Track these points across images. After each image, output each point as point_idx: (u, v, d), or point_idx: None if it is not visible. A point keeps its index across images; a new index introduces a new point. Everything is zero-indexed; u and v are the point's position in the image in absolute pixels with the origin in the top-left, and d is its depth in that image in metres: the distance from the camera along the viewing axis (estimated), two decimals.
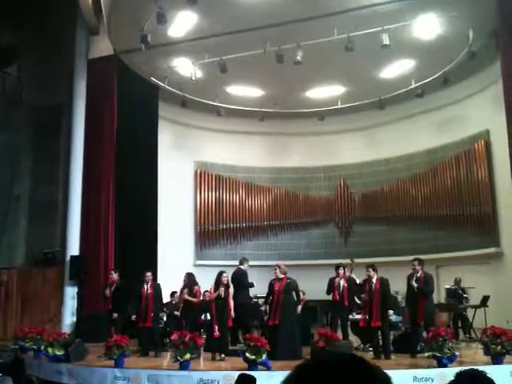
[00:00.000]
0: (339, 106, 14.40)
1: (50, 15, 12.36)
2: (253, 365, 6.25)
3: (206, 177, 15.62)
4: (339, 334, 7.91)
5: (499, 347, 6.26)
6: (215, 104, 14.09)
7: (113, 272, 9.24)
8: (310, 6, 10.04)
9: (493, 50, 10.83)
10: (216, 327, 7.65)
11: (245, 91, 14.05)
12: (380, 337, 7.74)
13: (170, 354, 7.54)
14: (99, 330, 9.02)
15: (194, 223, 15.33)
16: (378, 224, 15.33)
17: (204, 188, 15.56)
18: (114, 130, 11.95)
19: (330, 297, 8.85)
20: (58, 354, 7.35)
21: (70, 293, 11.38)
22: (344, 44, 10.21)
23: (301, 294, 8.67)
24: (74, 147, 11.97)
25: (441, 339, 6.24)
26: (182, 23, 10.76)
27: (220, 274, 7.88)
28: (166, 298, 9.70)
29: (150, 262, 11.31)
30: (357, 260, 10.68)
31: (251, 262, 9.59)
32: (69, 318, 11.20)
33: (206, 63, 11.73)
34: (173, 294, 10.23)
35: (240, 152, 15.73)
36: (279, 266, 7.91)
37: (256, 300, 10.35)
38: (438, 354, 6.18)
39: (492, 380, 1.88)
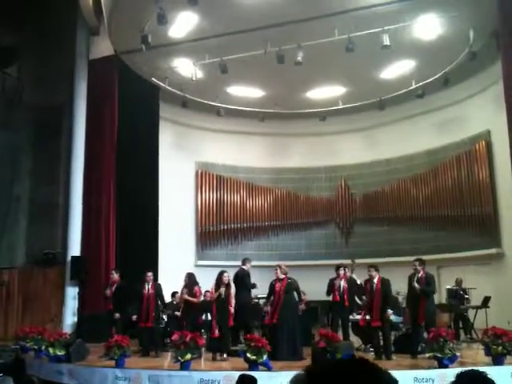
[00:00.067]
0: (340, 107, 14.40)
1: (50, 15, 12.37)
2: (253, 365, 6.25)
3: (206, 177, 15.63)
4: (340, 335, 7.90)
5: (500, 348, 6.26)
6: (216, 104, 14.09)
7: (113, 272, 9.24)
8: (311, 7, 10.04)
9: (493, 51, 10.83)
10: (215, 328, 7.65)
11: (245, 92, 14.06)
12: (381, 337, 7.73)
13: (171, 354, 7.54)
14: (100, 330, 9.02)
15: (195, 223, 15.34)
16: (378, 224, 15.33)
17: (205, 188, 15.56)
18: (115, 130, 11.96)
19: (330, 297, 8.84)
20: (59, 354, 7.35)
21: (71, 293, 11.39)
22: (345, 44, 10.21)
23: (301, 294, 8.66)
24: (75, 147, 11.98)
25: (442, 340, 6.23)
26: (183, 24, 10.76)
27: (221, 274, 7.88)
28: (167, 299, 9.70)
29: (150, 262, 11.32)
30: (358, 260, 10.69)
31: (252, 263, 9.58)
32: (70, 318, 11.21)
33: (207, 64, 11.73)
34: (174, 294, 10.23)
35: (241, 152, 15.73)
36: (280, 267, 7.91)
37: (257, 300, 10.35)
38: (439, 355, 6.18)
39: (493, 381, 1.88)
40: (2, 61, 12.70)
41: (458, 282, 10.64)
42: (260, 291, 9.57)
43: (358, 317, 8.48)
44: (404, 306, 8.99)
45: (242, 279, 8.49)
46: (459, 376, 1.92)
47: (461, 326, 10.15)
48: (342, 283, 8.62)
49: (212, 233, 15.38)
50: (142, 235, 12.19)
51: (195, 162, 15.54)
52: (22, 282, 11.66)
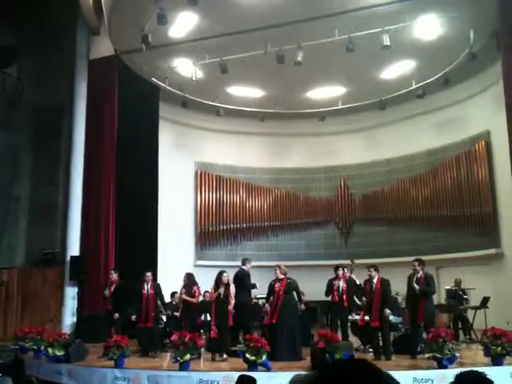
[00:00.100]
0: (340, 107, 14.40)
1: (50, 15, 12.37)
2: (253, 366, 6.24)
3: (206, 177, 15.62)
4: (339, 335, 7.89)
5: (499, 348, 6.25)
6: (216, 104, 14.10)
7: (113, 272, 9.23)
8: (311, 7, 10.04)
9: (493, 51, 10.83)
10: (213, 328, 7.65)
11: (245, 92, 14.06)
12: (380, 338, 7.73)
13: (170, 354, 7.53)
14: (99, 330, 9.01)
15: (195, 223, 15.33)
16: (378, 225, 15.33)
17: (204, 188, 15.56)
18: (115, 130, 11.95)
19: (329, 298, 8.83)
20: (58, 354, 7.35)
21: (70, 293, 11.38)
22: (345, 45, 10.21)
23: (301, 294, 8.63)
24: (75, 147, 11.98)
25: (441, 340, 6.23)
26: (183, 24, 10.76)
27: (220, 274, 7.88)
28: (166, 299, 9.69)
29: (150, 262, 11.32)
30: (357, 261, 10.68)
31: (251, 263, 9.56)
32: (69, 319, 11.20)
33: (207, 64, 11.73)
34: (173, 294, 10.23)
35: (240, 152, 15.73)
36: (279, 267, 7.90)
37: (256, 301, 10.34)
38: (438, 355, 6.17)
39: (492, 381, 1.88)
40: (2, 61, 12.69)
41: (458, 283, 10.64)
42: (259, 291, 9.56)
43: (357, 317, 8.48)
44: (403, 306, 8.98)
45: (242, 279, 8.48)
46: (459, 377, 1.92)
47: (460, 326, 10.15)
48: (341, 284, 8.61)
49: (211, 233, 15.37)
50: (142, 235, 12.19)
51: (195, 162, 15.54)
52: (22, 282, 11.66)
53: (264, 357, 6.25)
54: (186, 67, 12.33)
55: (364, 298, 7.88)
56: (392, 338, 8.15)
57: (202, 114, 14.69)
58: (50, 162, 12.42)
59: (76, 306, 11.25)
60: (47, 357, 7.52)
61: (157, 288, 8.63)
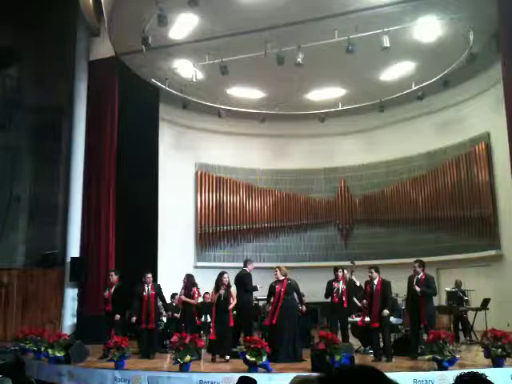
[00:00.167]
0: (340, 108, 14.41)
1: (50, 16, 12.38)
2: (253, 367, 6.24)
3: (206, 178, 15.62)
4: (339, 337, 7.88)
5: (500, 350, 6.25)
6: (216, 106, 14.11)
7: (112, 273, 9.20)
8: (311, 9, 10.06)
9: (493, 53, 10.84)
10: (212, 330, 7.65)
11: (246, 93, 14.07)
12: (380, 339, 7.72)
13: (170, 355, 7.53)
14: (99, 331, 8.99)
15: (195, 225, 15.33)
16: (378, 226, 15.33)
17: (204, 190, 15.56)
18: (115, 131, 11.96)
19: (329, 299, 8.81)
20: (58, 355, 7.35)
21: (71, 294, 11.39)
22: (345, 46, 10.22)
23: (302, 295, 8.62)
24: (75, 148, 11.98)
25: (441, 342, 6.23)
26: (183, 25, 10.77)
27: (221, 275, 7.88)
28: (166, 300, 9.69)
29: (150, 263, 11.32)
30: (357, 262, 10.69)
31: (253, 264, 9.52)
32: (69, 320, 11.20)
33: (207, 65, 11.74)
34: (173, 295, 10.22)
35: (241, 154, 15.74)
36: (279, 268, 7.89)
37: (256, 302, 10.33)
38: (439, 357, 6.17)
39: (492, 383, 1.88)
40: (2, 61, 12.71)
41: (458, 284, 10.64)
42: (259, 293, 9.55)
43: (357, 319, 8.48)
44: (403, 307, 8.98)
45: (244, 281, 8.46)
46: (459, 378, 1.92)
47: (460, 327, 10.15)
48: (341, 285, 8.60)
49: (211, 234, 15.37)
50: (142, 236, 12.19)
51: (195, 163, 15.54)
52: (22, 283, 11.66)
53: (264, 358, 6.24)
54: (186, 68, 12.35)
55: (364, 300, 7.87)
56: (392, 340, 8.15)
57: (202, 115, 14.71)
58: (51, 163, 12.44)
59: (76, 307, 11.25)
60: (47, 358, 7.52)
61: (157, 289, 8.62)
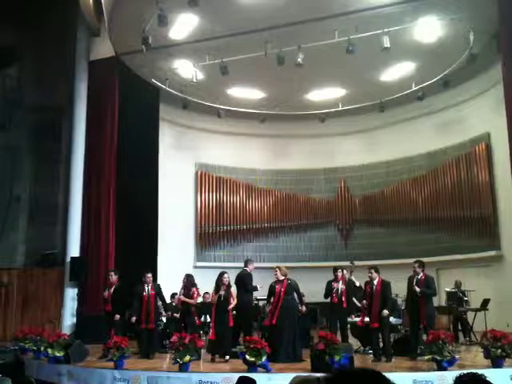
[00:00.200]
0: (340, 109, 14.42)
1: (50, 16, 12.39)
2: (252, 367, 6.24)
3: (206, 178, 15.63)
4: (338, 337, 7.88)
5: (499, 350, 6.25)
6: (216, 106, 14.11)
7: (112, 273, 9.19)
8: (311, 9, 10.06)
9: (493, 53, 10.84)
10: (212, 330, 7.65)
11: (246, 93, 14.07)
12: (380, 339, 7.72)
13: (170, 355, 7.53)
14: (99, 331, 9.00)
15: (195, 225, 15.33)
16: (378, 226, 15.33)
17: (204, 189, 15.56)
18: (115, 131, 11.96)
19: (328, 299, 8.80)
20: (58, 355, 7.35)
21: (70, 294, 11.39)
22: (345, 46, 10.22)
23: (302, 295, 8.61)
24: (75, 148, 11.99)
25: (441, 342, 6.23)
26: (183, 25, 10.77)
27: (221, 275, 7.88)
28: (166, 300, 9.69)
29: (150, 263, 11.31)
30: (357, 262, 10.68)
31: (254, 264, 9.51)
32: (69, 319, 11.20)
33: (207, 65, 11.74)
34: (173, 295, 10.22)
35: (241, 154, 15.74)
36: (280, 268, 7.89)
37: (256, 302, 10.33)
38: (438, 357, 6.17)
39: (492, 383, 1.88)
40: (2, 61, 12.71)
41: (458, 285, 10.64)
42: (259, 293, 9.55)
43: (357, 319, 8.48)
44: (403, 308, 8.98)
45: (244, 281, 8.46)
46: (459, 379, 1.92)
47: (460, 328, 10.14)
48: (340, 285, 8.60)
49: (211, 234, 15.37)
50: (142, 236, 12.19)
51: (195, 163, 15.54)
52: (22, 283, 11.67)
53: (264, 358, 6.24)
54: (186, 69, 12.35)
55: (364, 301, 7.87)
56: (392, 340, 8.14)
57: (202, 115, 14.71)
58: (51, 163, 12.45)
59: (76, 306, 11.26)
60: (47, 358, 7.52)
61: (157, 289, 8.62)
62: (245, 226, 15.72)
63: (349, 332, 8.77)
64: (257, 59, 11.21)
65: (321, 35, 10.46)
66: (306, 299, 9.55)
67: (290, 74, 11.94)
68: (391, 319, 8.15)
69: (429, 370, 6.28)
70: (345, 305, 8.51)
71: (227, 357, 7.49)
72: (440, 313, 9.60)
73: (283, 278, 7.76)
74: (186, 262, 14.03)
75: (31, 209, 12.38)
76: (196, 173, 15.56)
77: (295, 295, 7.93)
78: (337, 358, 6.19)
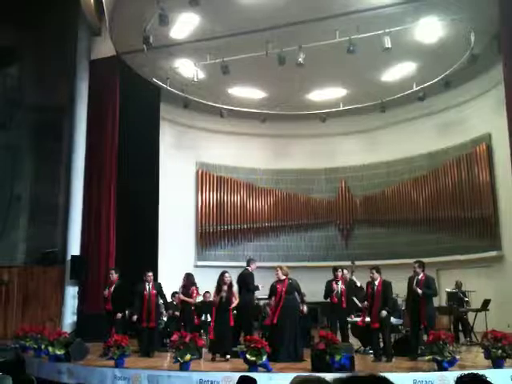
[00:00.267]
0: (341, 109, 14.42)
1: (51, 15, 12.39)
2: (253, 366, 6.25)
3: (207, 178, 15.64)
4: (338, 337, 7.88)
5: (500, 351, 6.25)
6: (217, 105, 14.11)
7: (113, 272, 9.20)
8: (312, 9, 10.06)
9: (494, 53, 10.83)
10: (212, 330, 7.65)
11: (247, 93, 14.08)
12: (380, 339, 7.72)
13: (171, 354, 7.53)
14: (100, 329, 9.01)
15: (195, 224, 15.34)
16: (379, 226, 15.34)
17: (205, 189, 15.57)
18: (116, 130, 11.97)
19: (328, 300, 8.80)
20: (59, 353, 7.35)
21: (71, 292, 11.41)
22: (346, 46, 10.22)
23: (303, 295, 8.61)
24: (76, 147, 12.00)
25: (441, 342, 6.23)
26: (184, 24, 10.78)
27: (222, 274, 7.87)
28: (167, 299, 9.70)
29: (150, 262, 11.32)
30: (357, 262, 10.69)
31: (256, 264, 9.51)
32: (69, 318, 11.22)
33: (208, 64, 11.75)
34: (174, 294, 10.23)
35: (241, 153, 15.75)
36: (281, 268, 7.89)
37: (257, 302, 10.33)
38: (439, 358, 6.17)
39: None
40: (3, 60, 12.72)
41: (458, 285, 10.64)
42: (259, 292, 9.55)
43: (356, 319, 8.48)
44: (403, 308, 8.98)
45: (246, 281, 8.45)
46: (459, 379, 1.93)
47: (460, 328, 10.14)
48: (340, 285, 8.60)
49: (212, 233, 15.38)
50: (143, 235, 12.20)
51: (196, 162, 15.55)
52: (22, 281, 11.68)
53: (264, 358, 6.25)
54: (187, 68, 12.35)
55: (366, 302, 7.87)
56: (392, 340, 8.14)
57: (203, 114, 14.71)
58: (51, 162, 12.46)
59: (76, 305, 11.27)
60: (47, 356, 7.53)
61: (158, 288, 8.63)
62: (245, 226, 15.73)
63: (349, 332, 8.77)
64: (258, 59, 11.21)
65: (322, 35, 10.46)
66: (307, 299, 9.56)
67: (290, 74, 11.94)
68: (392, 319, 8.15)
69: (429, 371, 6.28)
70: (344, 305, 8.51)
71: (228, 356, 7.49)
72: (441, 313, 9.60)
73: (284, 277, 7.76)
74: (187, 261, 14.04)
75: (32, 207, 12.39)
76: (197, 172, 15.57)
77: (296, 295, 7.93)
78: (337, 357, 6.19)
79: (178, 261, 13.37)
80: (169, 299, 10.01)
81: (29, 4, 12.43)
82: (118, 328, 8.38)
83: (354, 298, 8.91)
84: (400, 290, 9.00)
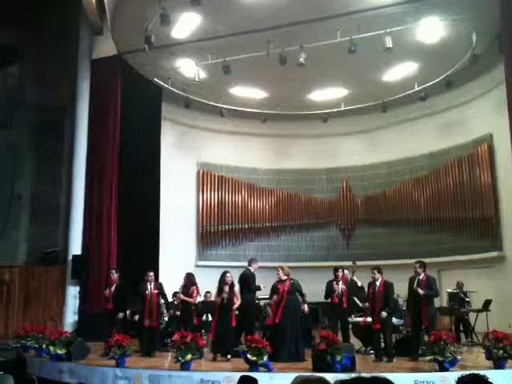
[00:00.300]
0: (342, 109, 14.41)
1: (52, 14, 12.40)
2: (254, 366, 6.25)
3: (208, 178, 15.64)
4: (339, 337, 7.88)
5: (501, 351, 6.24)
6: (218, 105, 14.11)
7: (113, 271, 9.21)
8: (313, 9, 10.05)
9: (496, 54, 10.82)
10: (212, 330, 7.65)
11: (248, 93, 14.08)
12: (381, 339, 7.71)
13: (171, 354, 7.54)
14: (101, 329, 9.02)
15: (196, 224, 15.34)
16: (380, 227, 15.33)
17: (206, 189, 15.57)
18: (118, 130, 11.98)
19: (328, 300, 8.79)
20: (60, 352, 7.36)
21: (72, 292, 11.42)
22: (347, 46, 10.22)
23: (304, 295, 8.60)
24: (77, 147, 12.01)
25: (442, 343, 6.22)
26: (186, 24, 10.78)
27: (224, 274, 7.87)
28: (168, 298, 9.70)
29: (152, 262, 11.35)
30: (359, 263, 10.68)
31: (258, 263, 9.50)
32: (70, 317, 11.23)
33: (210, 64, 11.75)
34: (175, 294, 10.23)
35: (243, 153, 15.75)
36: (282, 268, 7.88)
37: (257, 302, 10.32)
38: (440, 358, 6.16)
39: None
40: (4, 60, 12.73)
41: (459, 285, 10.63)
42: (260, 292, 9.55)
43: (357, 319, 8.45)
44: (404, 308, 8.97)
45: (247, 281, 8.45)
46: (460, 380, 1.92)
47: (462, 329, 10.13)
48: (340, 285, 8.59)
49: (213, 233, 15.38)
50: (144, 235, 12.21)
51: (197, 162, 15.56)
52: (23, 281, 11.69)
53: (265, 357, 6.25)
54: (188, 68, 12.36)
55: (367, 303, 7.86)
56: (393, 340, 8.13)
57: (204, 114, 14.72)
58: (52, 161, 12.47)
59: (77, 304, 11.28)
60: (49, 355, 7.54)
61: (160, 287, 8.63)
62: (246, 226, 15.73)
63: (350, 332, 8.76)
64: (259, 59, 11.21)
65: (323, 35, 10.46)
66: (308, 299, 9.55)
67: (292, 74, 11.94)
68: (393, 320, 8.14)
69: (430, 371, 6.27)
70: (345, 305, 8.50)
71: (229, 356, 7.49)
72: (442, 314, 9.59)
73: (286, 277, 7.75)
74: (188, 261, 14.04)
75: (33, 207, 12.41)
76: (198, 172, 15.57)
77: (298, 295, 7.93)
78: (338, 357, 6.19)
79: (179, 261, 13.37)
80: (170, 299, 10.01)
81: (30, 3, 12.43)
82: (118, 328, 8.38)
83: (355, 298, 8.90)
84: (401, 290, 8.99)
